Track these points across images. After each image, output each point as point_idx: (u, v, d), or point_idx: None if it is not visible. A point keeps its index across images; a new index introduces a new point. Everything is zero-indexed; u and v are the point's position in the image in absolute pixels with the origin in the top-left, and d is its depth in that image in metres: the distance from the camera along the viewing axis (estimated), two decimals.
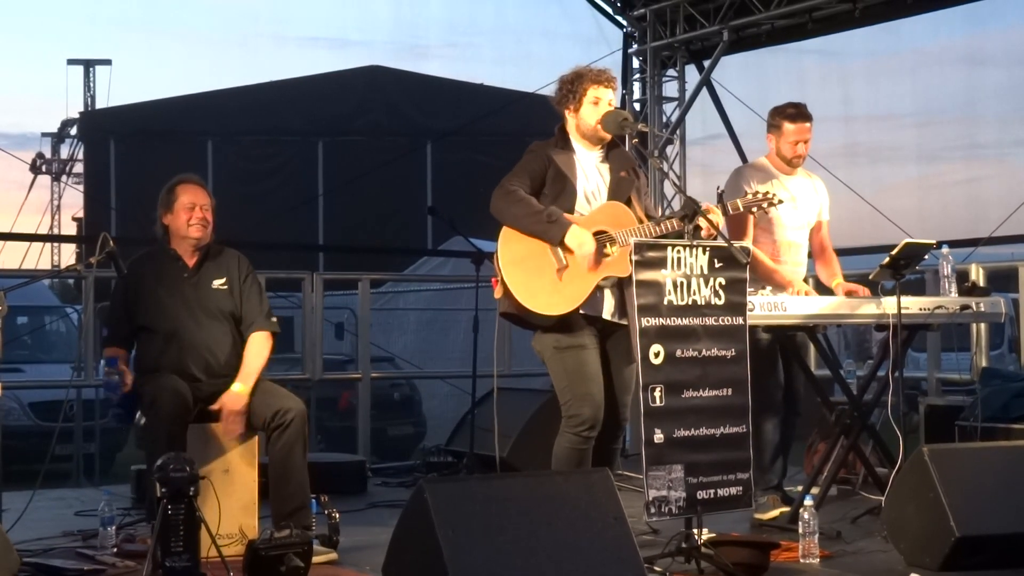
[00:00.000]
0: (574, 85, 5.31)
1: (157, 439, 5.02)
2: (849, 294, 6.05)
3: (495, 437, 6.34)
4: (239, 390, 5.32)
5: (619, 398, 5.29)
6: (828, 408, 6.45)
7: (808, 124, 6.20)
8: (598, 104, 5.27)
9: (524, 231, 5.10)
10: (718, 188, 5.61)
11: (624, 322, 5.15)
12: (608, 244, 5.11)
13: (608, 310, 5.21)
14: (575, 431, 5.10)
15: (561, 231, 5.03)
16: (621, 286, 5.16)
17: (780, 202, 5.49)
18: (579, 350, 5.14)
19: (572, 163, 5.26)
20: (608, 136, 5.30)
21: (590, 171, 5.29)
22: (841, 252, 6.55)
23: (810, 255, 6.44)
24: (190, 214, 5.43)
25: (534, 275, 5.08)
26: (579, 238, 5.03)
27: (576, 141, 5.33)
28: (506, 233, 5.13)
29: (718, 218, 5.09)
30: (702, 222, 4.98)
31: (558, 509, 4.33)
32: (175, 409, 5.12)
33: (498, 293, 5.17)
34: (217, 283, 5.50)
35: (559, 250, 5.08)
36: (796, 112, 6.20)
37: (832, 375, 6.47)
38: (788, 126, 6.18)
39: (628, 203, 5.26)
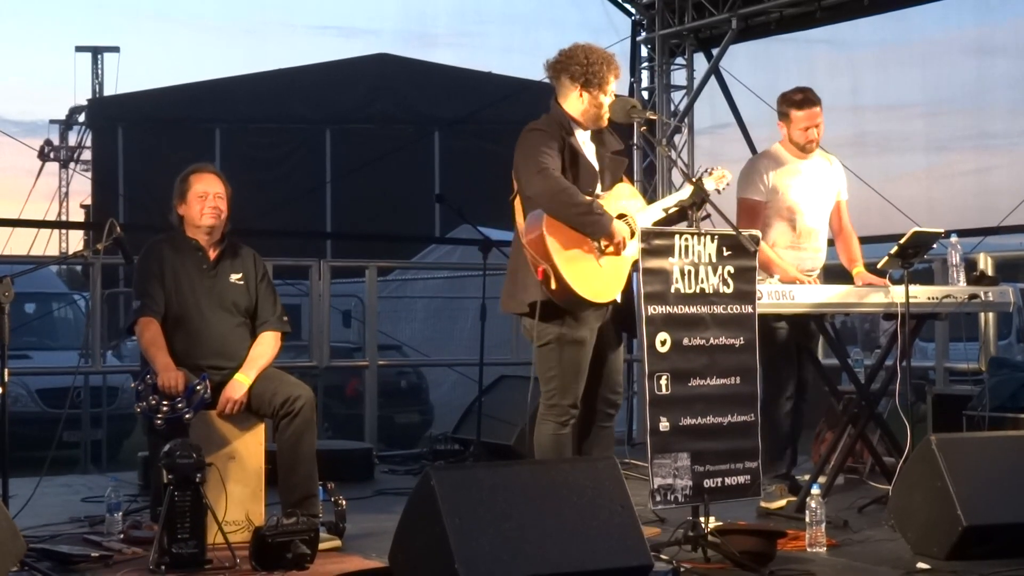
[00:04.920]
0: (600, 68, 5.08)
1: (159, 432, 5.00)
2: (868, 287, 6.00)
3: (502, 425, 6.34)
4: (241, 379, 5.31)
5: (611, 378, 5.25)
6: (836, 397, 6.44)
7: (817, 108, 6.08)
8: (610, 95, 5.16)
9: (566, 222, 4.89)
10: (703, 167, 5.43)
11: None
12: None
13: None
14: (557, 419, 5.09)
15: (608, 224, 4.92)
16: None
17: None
18: (580, 346, 5.06)
19: (579, 144, 5.14)
20: (605, 123, 5.20)
21: (588, 152, 5.18)
22: None
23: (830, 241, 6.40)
24: (202, 203, 5.42)
25: (583, 263, 4.96)
26: (624, 230, 4.96)
27: (573, 122, 5.15)
28: (551, 220, 4.90)
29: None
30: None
31: (564, 497, 4.33)
32: None
33: (553, 284, 4.90)
34: (235, 277, 5.49)
35: None
36: (803, 98, 6.08)
37: (840, 364, 6.46)
38: (796, 113, 6.08)
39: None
